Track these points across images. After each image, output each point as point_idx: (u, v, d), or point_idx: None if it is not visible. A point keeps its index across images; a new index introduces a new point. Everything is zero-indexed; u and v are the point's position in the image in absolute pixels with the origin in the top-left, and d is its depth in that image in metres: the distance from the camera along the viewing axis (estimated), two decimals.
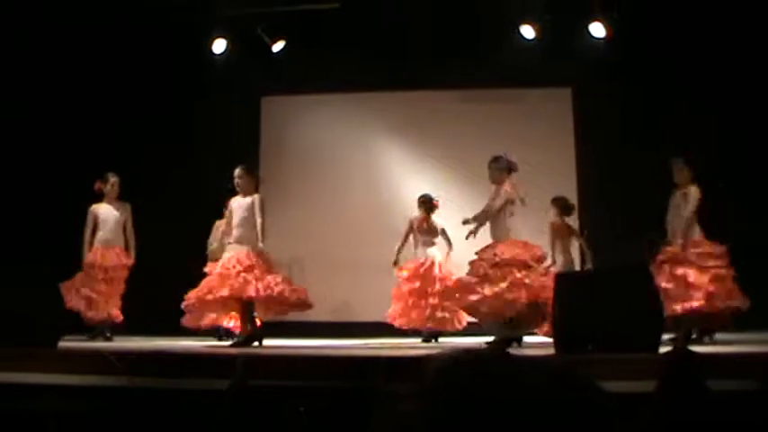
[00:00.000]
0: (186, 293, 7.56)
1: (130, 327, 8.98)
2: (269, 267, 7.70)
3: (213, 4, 9.94)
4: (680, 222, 7.36)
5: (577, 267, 8.75)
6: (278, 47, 10.53)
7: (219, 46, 10.33)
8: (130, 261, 8.86)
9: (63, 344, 6.31)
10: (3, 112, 9.43)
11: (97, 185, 8.75)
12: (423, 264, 9.06)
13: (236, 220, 7.88)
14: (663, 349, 5.38)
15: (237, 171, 7.95)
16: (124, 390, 4.93)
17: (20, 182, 9.87)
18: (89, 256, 8.69)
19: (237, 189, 7.94)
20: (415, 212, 9.27)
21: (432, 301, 8.83)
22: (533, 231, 8.40)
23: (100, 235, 8.77)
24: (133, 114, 10.54)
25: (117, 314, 8.76)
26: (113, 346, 7.09)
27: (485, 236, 7.59)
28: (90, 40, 10.15)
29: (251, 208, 7.88)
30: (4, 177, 9.74)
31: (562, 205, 8.73)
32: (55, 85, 10.18)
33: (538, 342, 7.98)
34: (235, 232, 7.84)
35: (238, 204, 7.89)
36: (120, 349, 6.32)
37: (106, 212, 8.79)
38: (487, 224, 7.60)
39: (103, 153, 8.72)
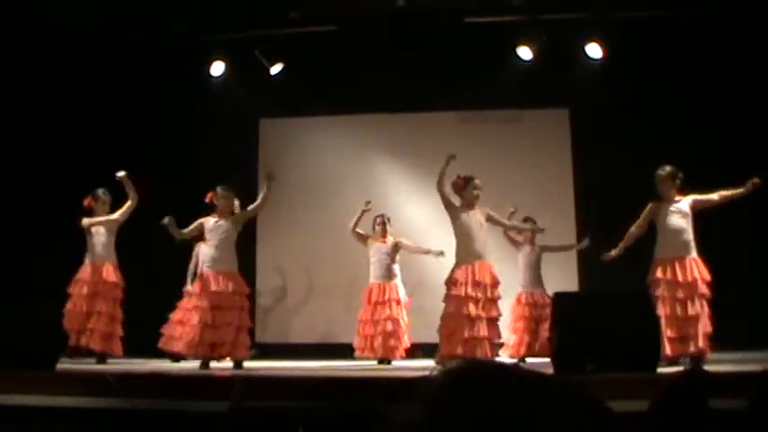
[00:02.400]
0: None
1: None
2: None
3: (211, 26, 9.98)
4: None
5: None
6: (276, 69, 10.56)
7: (218, 68, 10.36)
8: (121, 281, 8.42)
9: (61, 366, 6.30)
10: None
11: (87, 202, 8.46)
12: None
13: (213, 241, 7.67)
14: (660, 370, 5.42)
15: (220, 191, 7.69)
16: (124, 412, 4.91)
17: (13, 204, 9.85)
18: (78, 274, 8.30)
19: (218, 209, 7.69)
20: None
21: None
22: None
23: (89, 253, 8.39)
24: (132, 136, 10.53)
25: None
26: (113, 368, 7.04)
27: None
28: (87, 63, 10.16)
29: (230, 230, 7.68)
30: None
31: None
32: (53, 105, 10.19)
33: (534, 362, 7.98)
34: (213, 254, 7.64)
35: (217, 226, 7.65)
36: (120, 371, 6.30)
37: (95, 229, 8.41)
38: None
39: (101, 175, 8.67)
